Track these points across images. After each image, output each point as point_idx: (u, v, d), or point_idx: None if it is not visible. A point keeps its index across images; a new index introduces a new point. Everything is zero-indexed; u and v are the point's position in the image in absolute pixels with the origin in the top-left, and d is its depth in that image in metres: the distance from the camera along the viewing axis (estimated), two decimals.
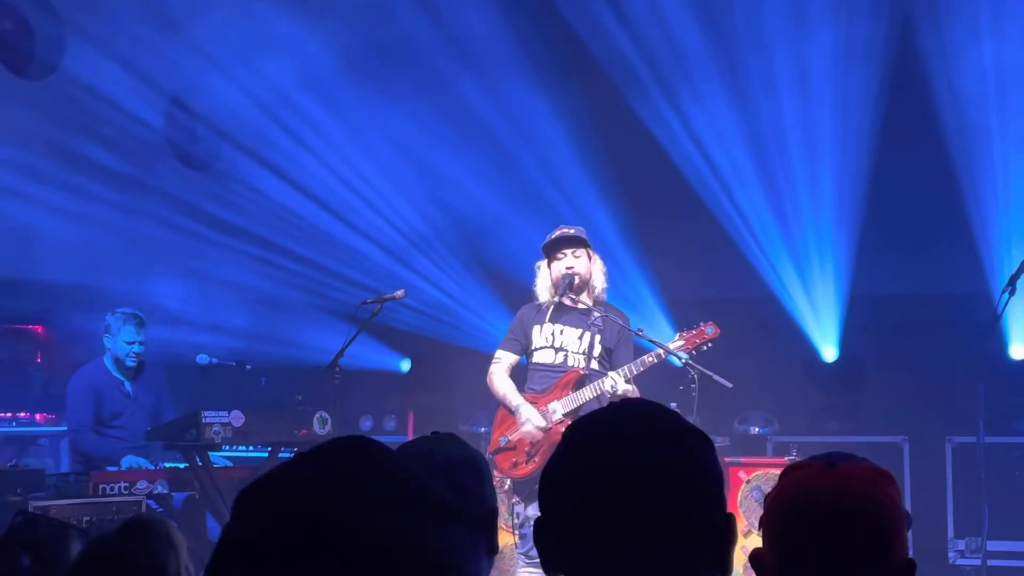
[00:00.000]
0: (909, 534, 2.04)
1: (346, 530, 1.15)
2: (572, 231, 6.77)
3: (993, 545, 7.77)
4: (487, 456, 6.72)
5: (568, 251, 6.68)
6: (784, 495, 1.98)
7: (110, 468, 7.24)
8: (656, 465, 1.60)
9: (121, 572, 3.07)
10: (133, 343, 7.79)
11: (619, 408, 1.71)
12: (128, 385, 7.90)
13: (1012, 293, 7.01)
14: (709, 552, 1.61)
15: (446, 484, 2.68)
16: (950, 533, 8.55)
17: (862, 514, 1.90)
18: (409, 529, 1.18)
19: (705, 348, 6.61)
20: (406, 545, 1.17)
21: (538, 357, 6.78)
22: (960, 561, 8.49)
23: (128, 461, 7.40)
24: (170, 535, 3.19)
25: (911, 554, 1.99)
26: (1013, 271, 7.06)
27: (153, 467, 7.37)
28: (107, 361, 7.88)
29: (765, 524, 2.00)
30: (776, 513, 1.98)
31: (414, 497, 1.20)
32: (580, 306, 6.71)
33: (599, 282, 6.78)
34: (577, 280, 6.67)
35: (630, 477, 1.59)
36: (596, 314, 6.63)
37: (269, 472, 1.24)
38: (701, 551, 1.60)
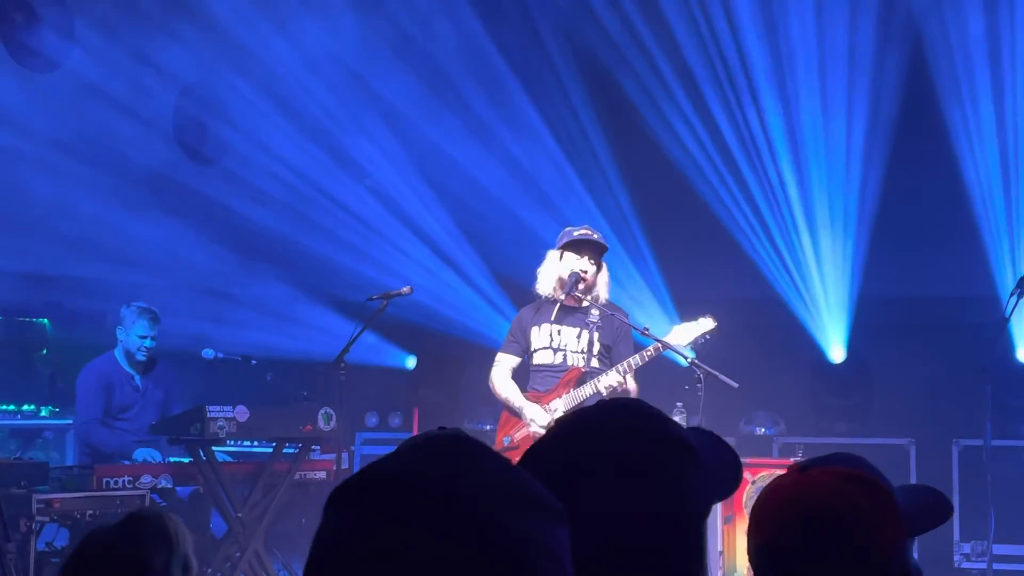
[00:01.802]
0: (915, 539, 2.01)
1: (469, 527, 1.11)
2: (597, 236, 6.75)
3: (999, 549, 7.75)
4: None
5: (588, 254, 6.67)
6: (757, 501, 1.98)
7: (124, 462, 7.25)
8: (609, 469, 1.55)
9: (107, 567, 3.06)
10: (146, 338, 7.81)
11: (599, 409, 1.68)
12: (138, 379, 7.91)
13: (1021, 296, 7.00)
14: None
15: None
16: (956, 536, 8.52)
17: (812, 521, 1.88)
18: (530, 529, 1.13)
19: (703, 341, 6.59)
20: (533, 546, 1.13)
21: (538, 358, 6.78)
22: (966, 565, 8.47)
23: (141, 454, 7.41)
24: (164, 531, 3.17)
25: (916, 557, 1.96)
26: (1022, 274, 7.04)
27: (163, 461, 7.38)
28: (117, 354, 7.90)
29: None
30: (751, 519, 1.97)
31: (523, 496, 1.16)
32: (579, 305, 6.70)
33: (603, 292, 6.77)
34: (583, 285, 6.65)
35: (574, 478, 1.54)
36: (595, 312, 6.62)
37: (370, 469, 1.19)
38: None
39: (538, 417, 6.61)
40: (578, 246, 6.69)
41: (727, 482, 1.70)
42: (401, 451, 1.20)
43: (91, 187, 9.32)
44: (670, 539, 1.56)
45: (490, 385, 6.91)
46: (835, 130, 9.46)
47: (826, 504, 1.88)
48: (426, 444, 1.19)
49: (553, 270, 6.77)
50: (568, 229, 6.84)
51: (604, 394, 6.41)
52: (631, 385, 6.53)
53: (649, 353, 6.48)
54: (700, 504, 1.62)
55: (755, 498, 2.03)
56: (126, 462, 7.28)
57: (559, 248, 6.76)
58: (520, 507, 1.14)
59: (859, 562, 1.87)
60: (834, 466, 1.97)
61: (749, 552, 1.95)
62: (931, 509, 2.05)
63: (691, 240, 9.95)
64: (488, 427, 9.02)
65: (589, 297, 6.67)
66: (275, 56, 9.64)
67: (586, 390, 6.54)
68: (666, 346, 6.50)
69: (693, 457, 1.62)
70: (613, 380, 6.42)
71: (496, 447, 6.79)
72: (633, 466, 1.56)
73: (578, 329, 6.70)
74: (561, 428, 1.65)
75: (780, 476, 2.00)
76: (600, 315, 6.61)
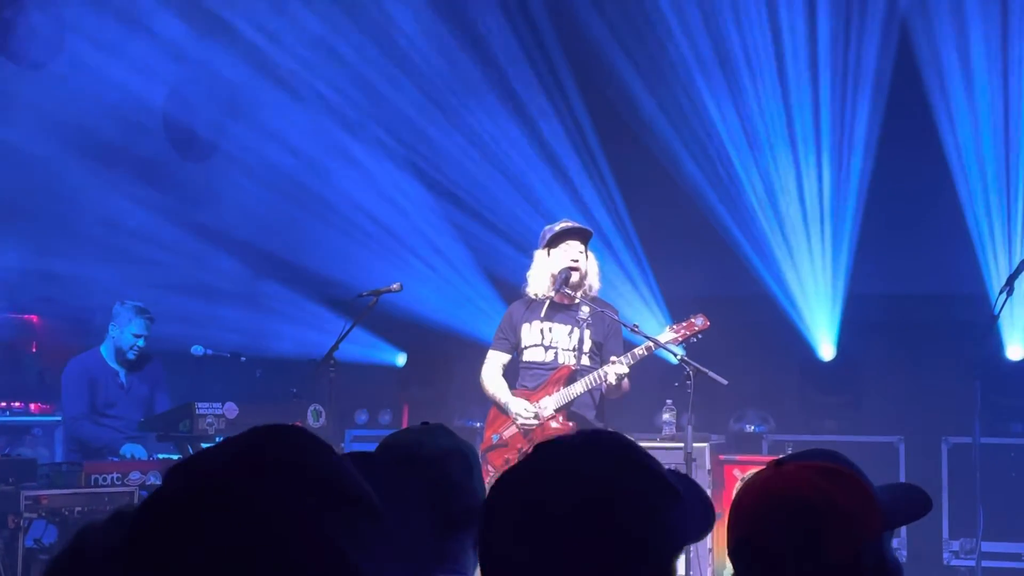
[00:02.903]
0: (904, 533, 2.02)
1: (259, 509, 1.14)
2: (579, 225, 6.76)
3: (988, 546, 7.77)
4: (480, 454, 6.72)
5: (574, 243, 6.65)
6: (736, 494, 2.03)
7: (112, 458, 7.25)
8: (568, 508, 1.58)
9: (102, 563, 3.04)
10: (140, 337, 7.82)
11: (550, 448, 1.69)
12: (123, 375, 7.90)
13: (1010, 293, 7.00)
14: None
15: (432, 475, 2.66)
16: (945, 534, 8.53)
17: (785, 514, 1.90)
18: (323, 522, 1.17)
19: (694, 340, 6.58)
20: (312, 537, 1.15)
21: (529, 355, 6.77)
22: (955, 562, 8.48)
23: (128, 449, 7.40)
24: None
25: (905, 554, 1.98)
26: (1011, 271, 7.05)
27: (149, 457, 7.37)
28: (104, 350, 7.89)
29: None
30: (729, 515, 2.00)
31: (337, 491, 1.19)
32: (569, 302, 6.69)
33: (595, 281, 6.76)
34: (576, 276, 6.64)
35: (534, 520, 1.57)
36: (585, 308, 6.61)
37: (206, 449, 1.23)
38: None
39: (523, 412, 6.60)
40: (563, 238, 6.68)
41: (703, 524, 1.76)
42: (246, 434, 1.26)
43: (80, 180, 9.29)
44: (638, 563, 1.58)
45: (480, 382, 6.91)
46: (824, 126, 9.46)
47: (798, 497, 1.91)
48: (263, 431, 1.25)
49: (544, 269, 6.74)
50: (548, 227, 6.83)
51: (614, 383, 6.38)
52: (624, 382, 6.51)
53: (640, 352, 6.47)
54: (675, 539, 1.66)
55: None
56: (114, 458, 7.26)
57: (544, 247, 6.74)
58: (331, 500, 1.18)
59: (832, 554, 1.89)
60: (809, 461, 1.99)
61: (729, 547, 1.97)
62: (909, 502, 2.07)
63: (680, 238, 9.95)
64: (478, 424, 9.00)
65: (580, 292, 6.67)
66: (263, 47, 9.62)
67: (576, 388, 6.53)
68: (657, 344, 6.49)
69: (673, 494, 1.66)
70: (619, 370, 6.39)
71: (484, 445, 6.79)
72: (607, 489, 1.60)
73: (569, 327, 6.69)
74: (537, 455, 1.69)
75: (757, 472, 2.03)
76: (590, 312, 6.61)
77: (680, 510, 1.65)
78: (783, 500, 1.92)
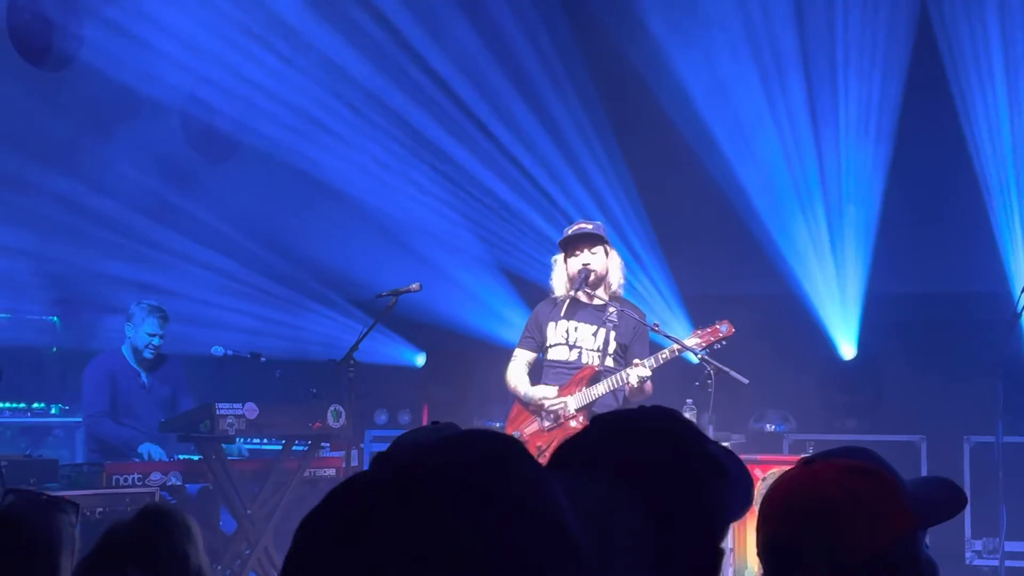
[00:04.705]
0: (925, 536, 2.01)
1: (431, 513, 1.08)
2: (590, 227, 6.74)
3: (1011, 546, 7.72)
4: None
5: (585, 248, 6.65)
6: (765, 493, 2.01)
7: (135, 459, 7.26)
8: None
9: (144, 561, 3.05)
10: (155, 336, 7.84)
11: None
12: (144, 376, 7.92)
13: None
14: None
15: None
16: (967, 534, 8.49)
17: (814, 513, 1.89)
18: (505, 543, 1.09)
19: (719, 346, 6.57)
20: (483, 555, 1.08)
21: (553, 354, 6.76)
22: (977, 562, 8.44)
23: (146, 448, 7.42)
24: (188, 525, 3.18)
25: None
26: None
27: (168, 457, 7.39)
28: (125, 350, 7.92)
29: None
30: (759, 508, 1.99)
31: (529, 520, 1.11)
32: (596, 302, 6.68)
33: (616, 278, 6.75)
34: (593, 276, 6.63)
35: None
36: (611, 310, 6.60)
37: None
38: None
39: (548, 396, 6.59)
40: (574, 243, 6.68)
41: (745, 501, 1.71)
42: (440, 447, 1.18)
43: (101, 183, 9.32)
44: (692, 539, 1.56)
45: (505, 379, 6.91)
46: (845, 123, 9.42)
47: (827, 496, 1.90)
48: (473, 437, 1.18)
49: (561, 274, 6.78)
50: (565, 229, 6.85)
51: (635, 385, 6.37)
52: (647, 385, 6.49)
53: (665, 356, 6.46)
54: (722, 520, 1.63)
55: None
56: (136, 459, 7.29)
57: (562, 252, 6.77)
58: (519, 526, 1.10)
59: (858, 552, 1.87)
60: (839, 459, 1.98)
61: (758, 547, 1.95)
62: (944, 500, 2.04)
63: (699, 236, 9.93)
64: (497, 424, 9.00)
65: (602, 291, 6.66)
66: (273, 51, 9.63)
67: (598, 389, 6.51)
68: (683, 348, 6.48)
69: (724, 475, 1.63)
70: (642, 373, 6.38)
71: None
72: (665, 469, 1.57)
73: (595, 327, 6.68)
74: (598, 425, 1.66)
75: (786, 471, 2.02)
76: (617, 313, 6.60)
77: (726, 487, 1.63)
78: (810, 498, 1.90)
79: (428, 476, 1.11)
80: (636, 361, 6.41)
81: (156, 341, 7.86)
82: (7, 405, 8.74)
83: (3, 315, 9.29)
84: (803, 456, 2.07)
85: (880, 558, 1.88)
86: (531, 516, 1.10)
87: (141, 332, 7.83)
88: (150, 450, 7.42)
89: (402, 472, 1.12)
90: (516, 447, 1.17)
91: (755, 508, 1.88)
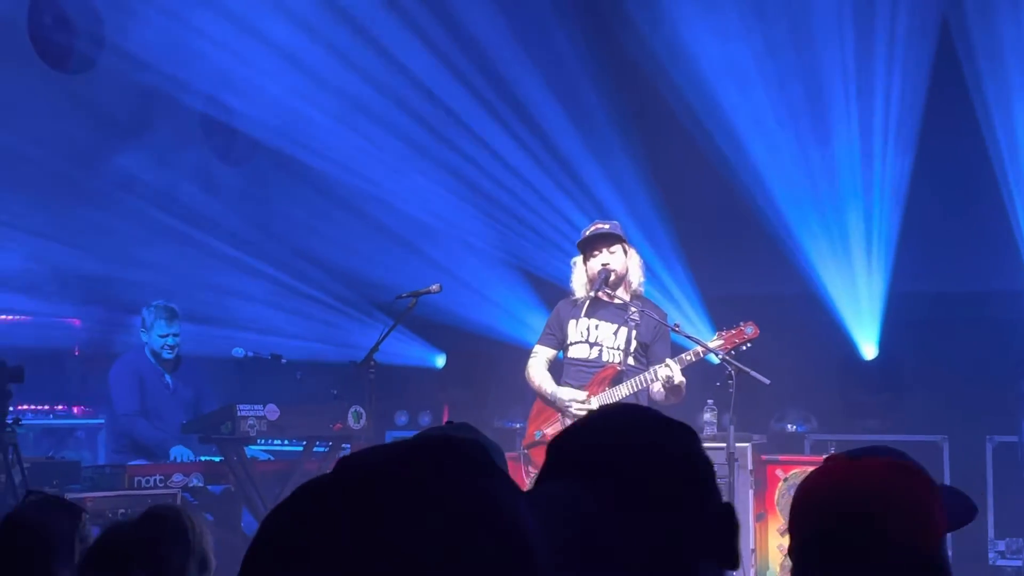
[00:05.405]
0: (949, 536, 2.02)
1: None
2: (607, 227, 6.72)
3: None
4: (522, 451, 6.72)
5: (603, 248, 6.64)
6: (802, 485, 1.99)
7: (164, 461, 7.29)
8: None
9: (125, 562, 3.08)
10: (167, 336, 7.84)
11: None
12: (168, 377, 7.94)
13: None
14: None
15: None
16: (990, 534, 8.44)
17: (870, 508, 1.89)
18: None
19: (744, 348, 6.54)
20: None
21: (573, 352, 6.75)
22: (1000, 562, 8.39)
23: (175, 452, 7.45)
24: (182, 527, 3.19)
25: (950, 554, 1.97)
26: None
27: (194, 459, 7.42)
28: (147, 352, 7.93)
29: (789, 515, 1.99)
30: (793, 503, 1.98)
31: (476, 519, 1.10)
32: (617, 301, 6.68)
33: (636, 277, 6.73)
34: (613, 276, 6.62)
35: None
36: (633, 309, 6.59)
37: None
38: None
39: (576, 397, 6.57)
40: (592, 243, 6.67)
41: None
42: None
43: (120, 180, 9.36)
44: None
45: (525, 375, 6.90)
46: (865, 122, 9.40)
47: (882, 490, 1.89)
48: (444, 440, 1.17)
49: (581, 275, 6.77)
50: (583, 230, 6.83)
51: (661, 379, 6.35)
52: (679, 378, 6.43)
53: (688, 358, 6.44)
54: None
55: (793, 490, 2.04)
56: (166, 460, 7.32)
57: (581, 253, 6.76)
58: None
59: (912, 550, 1.88)
60: (879, 456, 1.98)
61: (795, 538, 1.94)
62: (958, 508, 2.06)
63: (720, 236, 9.91)
64: (517, 425, 9.00)
65: (622, 291, 6.66)
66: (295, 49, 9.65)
67: (622, 390, 6.49)
68: (707, 350, 6.47)
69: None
70: (676, 377, 6.35)
71: (526, 440, 6.78)
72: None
73: (616, 325, 6.66)
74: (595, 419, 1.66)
75: (828, 463, 2.01)
76: (639, 312, 6.59)
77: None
78: (869, 494, 1.89)
79: (373, 483, 1.10)
80: (667, 361, 6.39)
81: (171, 341, 7.86)
82: (30, 407, 8.78)
83: (25, 317, 9.33)
84: (826, 455, 2.07)
85: (928, 557, 1.90)
86: (484, 528, 1.08)
87: (153, 335, 7.85)
88: (177, 454, 7.45)
89: (349, 476, 1.13)
90: (478, 455, 1.16)
91: (777, 510, 1.87)
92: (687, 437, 1.61)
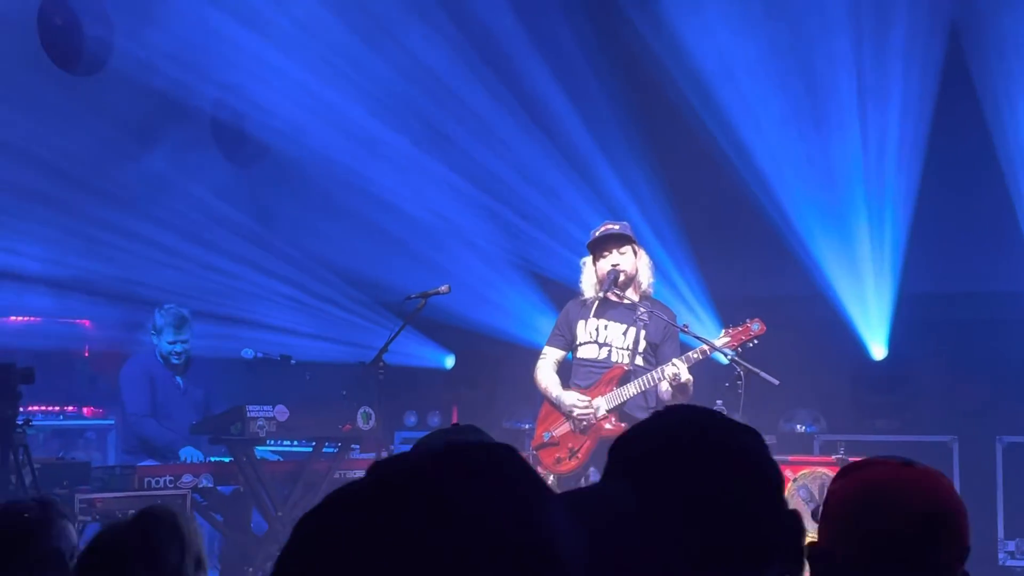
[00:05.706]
0: None
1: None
2: (616, 227, 6.72)
3: None
4: (531, 452, 6.72)
5: (613, 248, 6.64)
6: (859, 489, 2.02)
7: (174, 462, 7.29)
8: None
9: (121, 563, 3.09)
10: (175, 343, 7.83)
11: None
12: (179, 378, 7.94)
13: None
14: None
15: None
16: (1000, 534, 8.43)
17: (931, 514, 1.95)
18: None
19: (751, 345, 6.54)
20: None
21: (582, 352, 6.75)
22: (1010, 562, 8.38)
23: (184, 452, 7.45)
24: (178, 528, 3.20)
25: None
26: None
27: (205, 460, 7.42)
28: (158, 354, 7.93)
29: (831, 518, 1.99)
30: (851, 507, 2.00)
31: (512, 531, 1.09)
32: (626, 301, 6.67)
33: (645, 277, 6.74)
34: (623, 277, 6.62)
35: None
36: (642, 309, 6.59)
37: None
38: None
39: (578, 403, 6.58)
40: (602, 244, 6.67)
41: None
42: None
43: (132, 182, 9.38)
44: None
45: (534, 378, 6.90)
46: (875, 123, 9.38)
47: (942, 498, 1.98)
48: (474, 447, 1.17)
49: (590, 275, 6.77)
50: (592, 231, 6.83)
51: (668, 378, 6.35)
52: (686, 376, 6.42)
53: (696, 356, 6.44)
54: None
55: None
56: (176, 461, 7.32)
57: (590, 254, 6.76)
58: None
59: (961, 555, 1.97)
60: (918, 464, 2.06)
61: (857, 534, 1.97)
62: None
63: (729, 236, 9.90)
64: (526, 426, 9.01)
65: (632, 291, 6.66)
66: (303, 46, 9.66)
67: (630, 389, 6.50)
68: (713, 348, 6.47)
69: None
70: (683, 375, 6.35)
71: (535, 442, 6.78)
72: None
73: (624, 325, 6.66)
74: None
75: (876, 467, 2.05)
76: (647, 312, 6.59)
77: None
78: (930, 501, 1.97)
79: (407, 490, 1.11)
80: (674, 360, 6.39)
81: (179, 348, 7.84)
82: (40, 408, 8.80)
83: (35, 319, 9.36)
84: (836, 458, 2.10)
85: (964, 560, 1.98)
86: (515, 538, 1.09)
87: (162, 341, 7.85)
88: (186, 455, 7.45)
89: (382, 484, 1.13)
90: (514, 462, 1.16)
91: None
92: (755, 442, 1.62)
